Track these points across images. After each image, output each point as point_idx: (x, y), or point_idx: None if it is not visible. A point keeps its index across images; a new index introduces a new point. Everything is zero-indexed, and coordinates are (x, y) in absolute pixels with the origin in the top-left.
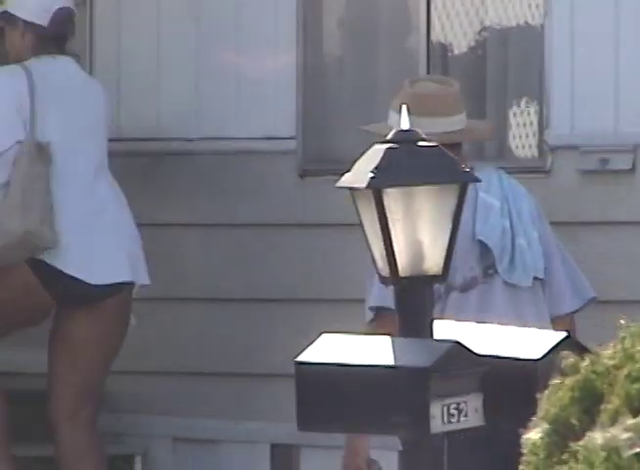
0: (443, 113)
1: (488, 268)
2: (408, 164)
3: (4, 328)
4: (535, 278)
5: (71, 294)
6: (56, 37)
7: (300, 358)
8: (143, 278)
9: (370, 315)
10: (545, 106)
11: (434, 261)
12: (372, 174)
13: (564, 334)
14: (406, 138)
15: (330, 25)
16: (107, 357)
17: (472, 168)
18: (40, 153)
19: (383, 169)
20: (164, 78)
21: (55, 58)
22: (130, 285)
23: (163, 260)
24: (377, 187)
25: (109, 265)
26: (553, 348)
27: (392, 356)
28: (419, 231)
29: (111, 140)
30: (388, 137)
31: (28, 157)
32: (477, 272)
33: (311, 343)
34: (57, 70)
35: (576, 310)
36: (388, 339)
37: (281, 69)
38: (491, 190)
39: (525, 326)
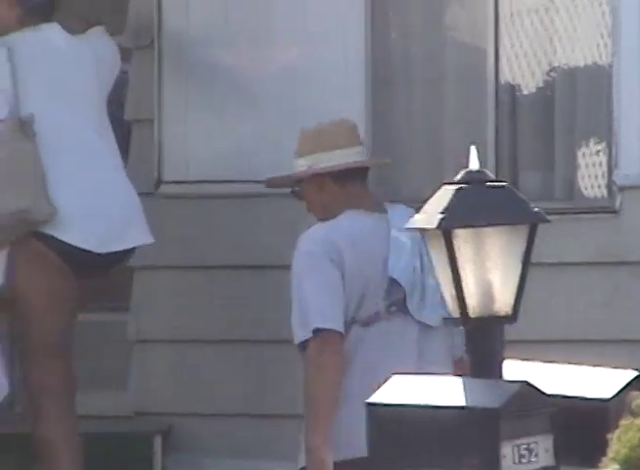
0: (343, 145)
1: (392, 305)
2: (478, 205)
3: (56, 320)
4: (444, 318)
5: (85, 265)
6: (42, 8)
7: (372, 400)
8: (147, 238)
9: (303, 337)
10: (614, 146)
11: (503, 302)
12: (442, 215)
13: (634, 373)
14: (475, 178)
15: (397, 69)
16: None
17: (384, 205)
18: (23, 128)
19: (452, 210)
20: (227, 125)
21: (38, 28)
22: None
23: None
24: (447, 228)
25: (114, 233)
26: (624, 387)
27: (463, 397)
28: (489, 272)
29: (177, 182)
30: (458, 178)
31: (12, 134)
32: (380, 308)
33: (383, 384)
34: (39, 40)
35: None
36: (458, 379)
37: (352, 111)
38: (403, 228)
39: (426, 364)
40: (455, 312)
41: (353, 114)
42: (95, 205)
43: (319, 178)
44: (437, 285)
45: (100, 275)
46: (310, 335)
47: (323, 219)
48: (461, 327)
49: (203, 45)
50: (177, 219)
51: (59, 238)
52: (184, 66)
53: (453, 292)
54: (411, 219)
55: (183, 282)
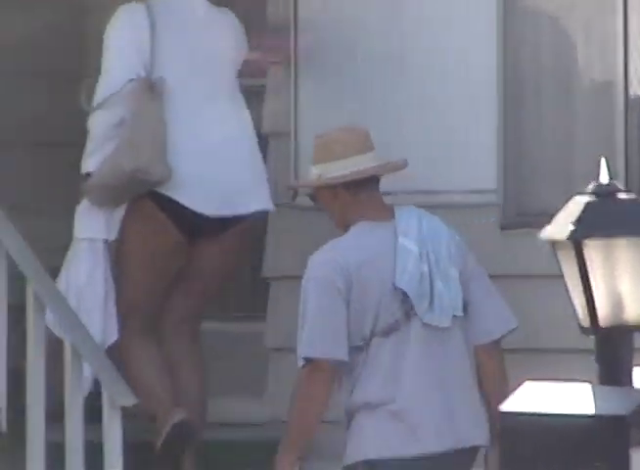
0: (353, 153)
1: (408, 312)
2: (608, 216)
3: (154, 277)
4: (454, 316)
5: (194, 226)
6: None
7: (505, 408)
8: (267, 205)
9: (301, 362)
10: None
11: (634, 311)
12: (572, 226)
13: None
14: (606, 190)
15: (528, 82)
16: (222, 284)
17: (392, 208)
18: (152, 89)
19: (583, 221)
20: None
21: None
22: (257, 213)
23: None
24: (577, 239)
25: (230, 198)
26: None
27: (593, 405)
28: (619, 282)
29: None
30: (589, 190)
31: (139, 95)
32: (398, 316)
33: (516, 390)
34: (178, 5)
35: (499, 339)
36: (588, 387)
37: (482, 125)
38: (410, 234)
39: (442, 363)
40: (585, 322)
41: (484, 128)
42: (213, 169)
43: (332, 187)
44: (446, 287)
45: (208, 236)
46: (302, 362)
47: (342, 226)
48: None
49: (337, 58)
50: (313, 231)
51: (172, 198)
52: (320, 78)
53: (583, 302)
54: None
55: None
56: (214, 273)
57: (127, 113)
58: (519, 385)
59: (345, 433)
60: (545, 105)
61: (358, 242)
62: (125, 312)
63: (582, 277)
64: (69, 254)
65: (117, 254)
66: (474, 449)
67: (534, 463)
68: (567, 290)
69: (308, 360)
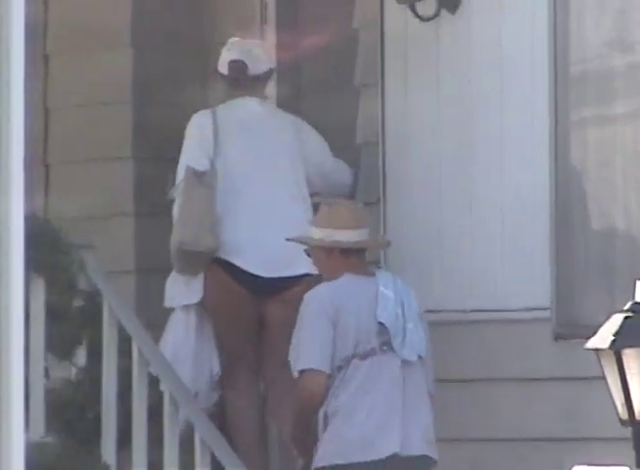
0: (354, 226)
1: (383, 344)
2: None
3: (236, 330)
4: (420, 357)
5: (258, 289)
6: (235, 82)
7: None
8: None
9: (296, 373)
10: None
11: None
12: (613, 338)
13: None
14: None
15: (577, 210)
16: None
17: (374, 272)
18: (201, 178)
19: (621, 334)
20: (445, 258)
21: (242, 99)
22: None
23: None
24: (617, 348)
25: (284, 260)
26: None
27: None
28: None
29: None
30: (626, 308)
31: (187, 182)
32: (374, 345)
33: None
34: (240, 109)
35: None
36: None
37: (537, 252)
38: (388, 286)
39: (409, 393)
40: (623, 415)
41: (539, 253)
42: (267, 234)
43: (330, 249)
44: (415, 329)
45: (275, 299)
46: (298, 368)
47: (328, 279)
48: None
49: (423, 196)
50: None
51: (231, 262)
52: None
53: (622, 399)
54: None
55: None
56: (280, 326)
57: (180, 199)
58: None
59: (320, 436)
60: (591, 231)
61: (347, 285)
62: (228, 364)
63: (621, 379)
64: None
65: (207, 312)
66: (425, 458)
67: None
68: (608, 389)
69: (304, 372)
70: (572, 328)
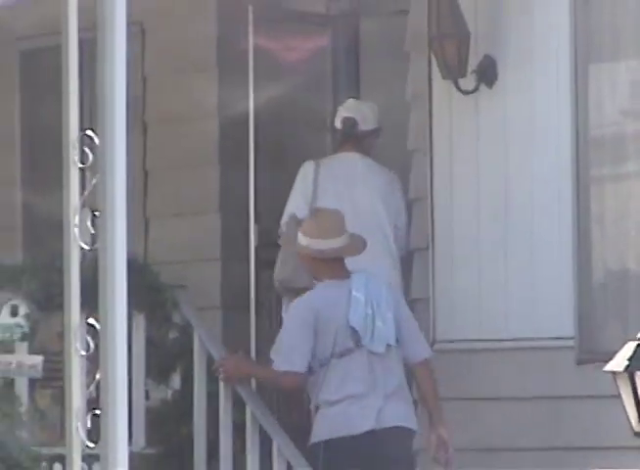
0: (334, 235)
1: (357, 343)
2: None
3: None
4: (389, 345)
5: None
6: (345, 138)
7: None
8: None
9: (281, 372)
10: None
11: None
12: (627, 362)
13: None
14: None
15: (599, 246)
16: None
17: (348, 271)
18: (299, 223)
19: (634, 359)
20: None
21: (346, 153)
22: None
23: None
24: (631, 371)
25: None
26: None
27: None
28: None
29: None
30: (638, 337)
31: (288, 226)
32: (350, 345)
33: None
34: (342, 162)
35: (425, 360)
36: None
37: (562, 284)
38: (360, 289)
39: (380, 375)
40: (637, 428)
41: (564, 287)
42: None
43: (313, 258)
44: (384, 325)
45: None
46: (281, 369)
47: (315, 279)
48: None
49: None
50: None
51: None
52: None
53: (636, 414)
54: None
55: None
56: None
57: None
58: None
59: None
60: (608, 273)
61: (325, 292)
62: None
63: (634, 396)
64: None
65: None
66: (407, 429)
67: None
68: (623, 406)
69: (286, 373)
70: (593, 354)
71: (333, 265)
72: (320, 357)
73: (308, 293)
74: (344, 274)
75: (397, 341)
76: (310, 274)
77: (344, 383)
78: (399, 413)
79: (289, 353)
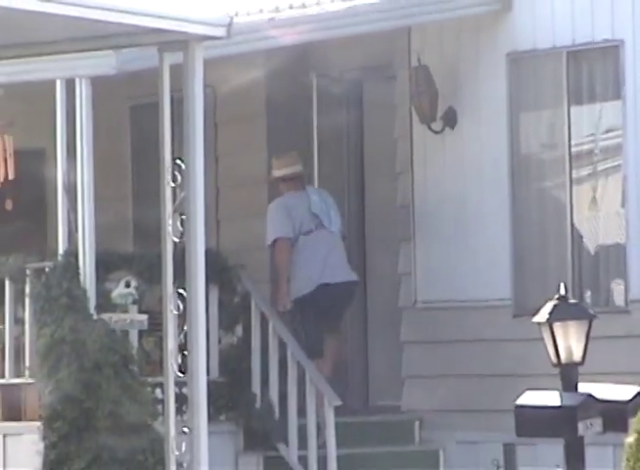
0: (289, 165)
1: (317, 225)
2: (565, 312)
3: None
4: (338, 230)
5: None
6: (298, 180)
7: (520, 402)
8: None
9: (269, 242)
10: None
11: (577, 354)
12: (548, 316)
13: (638, 388)
14: (563, 298)
15: (532, 229)
16: None
17: (306, 188)
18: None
19: (553, 313)
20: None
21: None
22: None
23: None
24: (550, 322)
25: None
26: (638, 393)
27: (559, 400)
28: (570, 341)
29: None
30: (555, 297)
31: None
32: (312, 227)
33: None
34: (300, 194)
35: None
36: (557, 393)
37: (500, 267)
38: (314, 193)
39: (332, 247)
40: (554, 360)
41: (503, 265)
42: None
43: (279, 180)
44: (334, 216)
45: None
46: (273, 237)
47: (283, 194)
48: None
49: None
50: None
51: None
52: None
53: (553, 352)
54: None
55: None
56: None
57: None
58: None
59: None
60: (536, 251)
61: (290, 197)
62: None
63: (553, 339)
64: None
65: None
66: (349, 282)
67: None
68: (545, 346)
69: (276, 240)
70: (524, 310)
71: (293, 183)
72: (292, 236)
73: (279, 198)
74: (302, 188)
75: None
76: (281, 192)
77: (310, 254)
78: (344, 273)
79: (275, 229)
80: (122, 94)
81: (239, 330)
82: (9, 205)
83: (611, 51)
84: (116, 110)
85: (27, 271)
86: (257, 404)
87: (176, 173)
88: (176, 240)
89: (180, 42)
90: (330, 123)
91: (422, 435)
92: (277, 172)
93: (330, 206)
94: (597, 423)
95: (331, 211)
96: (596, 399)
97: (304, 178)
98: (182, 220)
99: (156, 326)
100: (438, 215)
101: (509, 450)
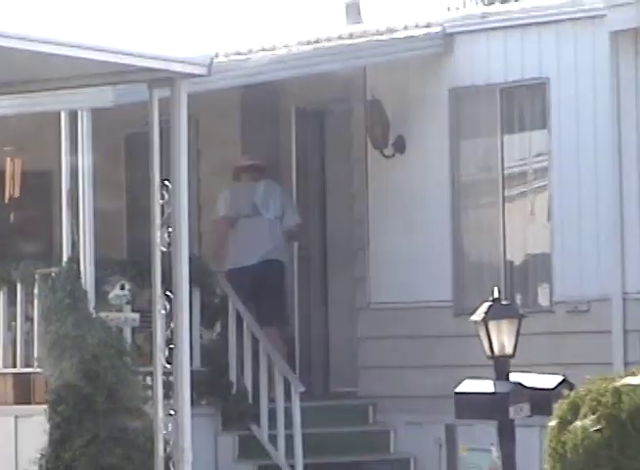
0: (250, 158)
1: (256, 211)
2: (498, 312)
3: None
4: (276, 217)
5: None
6: (253, 171)
7: (459, 390)
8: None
9: (216, 218)
10: None
11: (508, 349)
12: (484, 315)
13: (561, 378)
14: (497, 300)
15: (470, 238)
16: None
17: (259, 180)
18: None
19: (488, 313)
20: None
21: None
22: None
23: None
24: (485, 320)
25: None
26: (560, 382)
27: (493, 387)
28: (503, 337)
29: None
30: (490, 299)
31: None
32: (249, 212)
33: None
34: (248, 185)
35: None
36: (491, 381)
37: (442, 270)
38: (262, 186)
39: (273, 234)
40: (489, 353)
41: (444, 268)
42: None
43: (239, 169)
44: (273, 204)
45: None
46: (219, 215)
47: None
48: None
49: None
50: None
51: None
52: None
53: (488, 346)
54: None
55: None
56: None
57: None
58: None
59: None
60: (474, 260)
61: (241, 185)
62: None
63: (487, 335)
64: None
65: None
66: (274, 260)
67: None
68: (481, 341)
69: (220, 218)
70: (463, 310)
71: (248, 174)
72: (231, 217)
73: (229, 188)
74: (255, 179)
75: (282, 218)
76: (240, 181)
77: (244, 236)
78: (273, 252)
79: (218, 210)
80: (118, 123)
81: (218, 327)
82: (12, 217)
83: (538, 87)
84: (113, 137)
85: (36, 276)
86: (233, 391)
87: (164, 192)
88: (164, 249)
89: (167, 79)
90: (297, 147)
91: (375, 417)
92: (237, 163)
93: (276, 197)
94: (525, 408)
95: (270, 201)
96: (524, 386)
97: (260, 172)
98: (169, 232)
99: (146, 323)
100: (389, 228)
101: (450, 431)
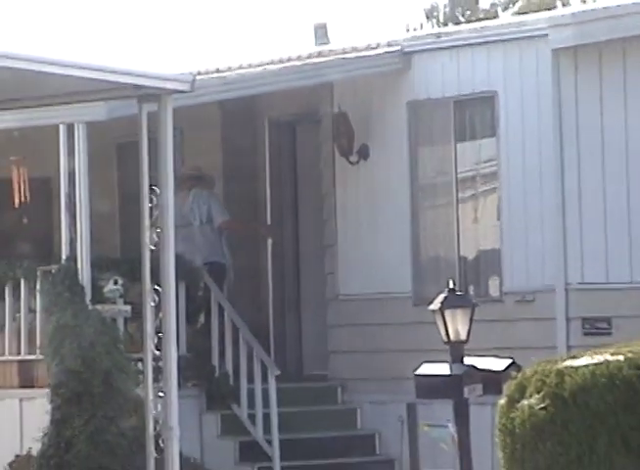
0: (189, 169)
1: (185, 221)
2: (453, 300)
3: None
4: (208, 221)
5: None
6: (194, 180)
7: (419, 372)
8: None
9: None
10: None
11: (462, 334)
12: (440, 304)
13: (510, 361)
14: (451, 290)
15: (427, 228)
16: None
17: (193, 190)
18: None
19: (444, 302)
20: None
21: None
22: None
23: None
24: (441, 309)
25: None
26: (509, 365)
27: (449, 370)
28: (458, 326)
29: None
30: (445, 290)
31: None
32: (182, 222)
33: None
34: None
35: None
36: (446, 365)
37: (403, 260)
38: (191, 196)
39: (203, 238)
40: (445, 338)
41: (405, 261)
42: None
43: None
44: (207, 211)
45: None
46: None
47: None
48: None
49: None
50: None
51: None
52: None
53: (444, 332)
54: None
55: None
56: None
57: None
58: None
59: None
60: (428, 253)
61: (177, 196)
62: None
63: (444, 323)
64: None
65: None
66: (215, 262)
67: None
68: (438, 328)
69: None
70: (422, 300)
71: (185, 184)
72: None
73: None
74: (189, 188)
75: (212, 220)
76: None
77: (188, 242)
78: (213, 254)
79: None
80: (111, 135)
81: (202, 317)
82: (25, 220)
83: (487, 99)
84: (106, 147)
85: (38, 272)
86: (216, 374)
87: (152, 196)
88: (153, 248)
89: (155, 95)
90: (271, 155)
91: (343, 397)
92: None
93: (202, 203)
94: (478, 388)
95: (195, 209)
96: (477, 369)
97: (196, 182)
98: (157, 233)
99: (137, 314)
100: (355, 226)
101: (411, 409)
